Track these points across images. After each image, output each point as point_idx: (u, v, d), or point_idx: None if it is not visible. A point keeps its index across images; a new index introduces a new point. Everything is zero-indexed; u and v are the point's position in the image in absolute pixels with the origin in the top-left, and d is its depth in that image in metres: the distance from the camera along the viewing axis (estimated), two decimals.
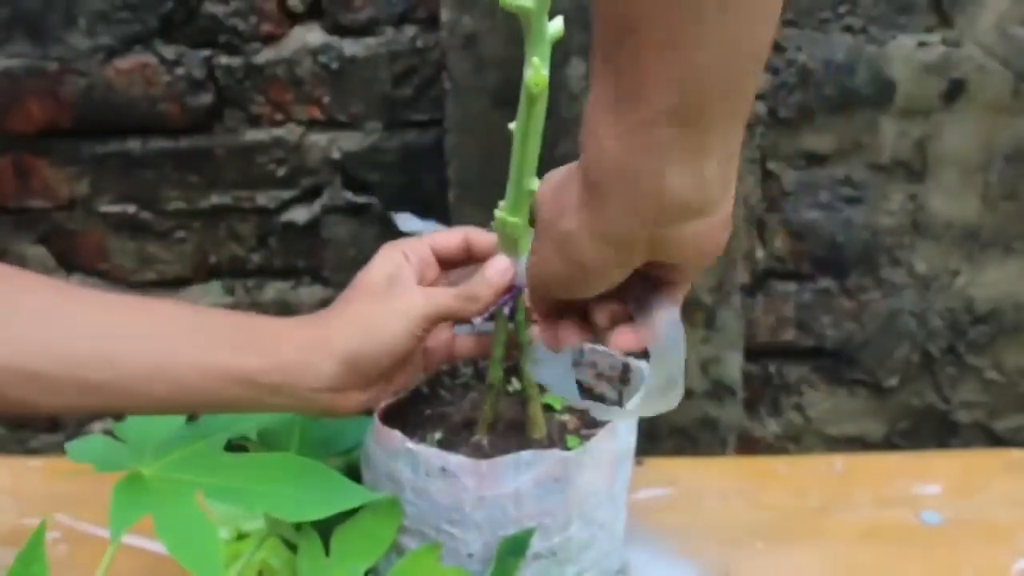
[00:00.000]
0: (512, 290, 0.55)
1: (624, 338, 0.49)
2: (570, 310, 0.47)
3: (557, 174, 0.43)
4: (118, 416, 0.59)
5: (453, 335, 0.58)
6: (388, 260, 0.54)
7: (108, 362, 0.46)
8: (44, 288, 0.48)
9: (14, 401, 0.45)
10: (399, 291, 0.52)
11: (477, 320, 0.57)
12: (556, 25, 0.47)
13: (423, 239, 0.55)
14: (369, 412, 0.56)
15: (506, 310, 0.55)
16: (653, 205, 0.36)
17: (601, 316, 0.46)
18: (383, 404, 0.58)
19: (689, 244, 0.38)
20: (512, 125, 0.49)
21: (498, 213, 0.53)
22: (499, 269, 0.53)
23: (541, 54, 0.47)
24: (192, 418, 0.58)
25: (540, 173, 0.51)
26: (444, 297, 0.52)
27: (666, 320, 0.45)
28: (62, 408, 0.47)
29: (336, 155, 0.93)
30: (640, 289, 0.44)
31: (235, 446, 0.57)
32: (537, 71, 0.46)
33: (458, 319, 0.54)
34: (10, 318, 0.45)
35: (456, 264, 0.56)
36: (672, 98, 0.33)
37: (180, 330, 0.49)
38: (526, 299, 0.53)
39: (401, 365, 0.53)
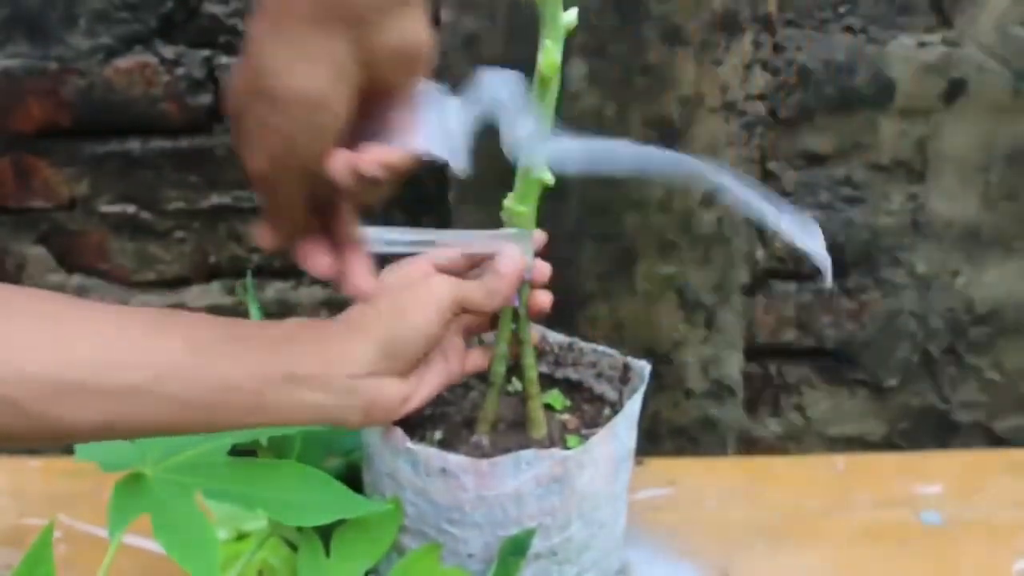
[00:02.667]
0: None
1: (475, 359, 0.57)
2: (311, 229, 0.47)
3: (238, 72, 0.41)
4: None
5: (465, 347, 0.58)
6: (396, 272, 0.54)
7: (141, 362, 0.44)
8: (64, 302, 0.46)
9: (49, 420, 0.42)
10: (421, 283, 0.52)
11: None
12: (570, 16, 0.47)
13: (423, 258, 0.55)
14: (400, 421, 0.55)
15: (513, 303, 0.55)
16: None
17: (344, 218, 0.46)
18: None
19: (397, 47, 0.39)
20: None
21: (507, 203, 0.53)
22: (511, 258, 0.53)
23: (554, 38, 0.47)
24: None
25: None
26: (467, 285, 0.52)
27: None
28: (100, 425, 0.44)
29: None
30: (372, 129, 0.43)
31: (243, 452, 0.57)
32: (549, 54, 0.47)
33: (479, 312, 0.54)
34: (34, 331, 0.43)
35: (458, 274, 0.56)
36: None
37: (213, 333, 0.47)
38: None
39: (432, 355, 0.53)
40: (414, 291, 0.51)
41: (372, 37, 0.38)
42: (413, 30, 0.39)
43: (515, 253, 0.53)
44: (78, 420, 0.43)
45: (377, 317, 0.50)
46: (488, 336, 0.63)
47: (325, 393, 0.48)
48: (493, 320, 0.58)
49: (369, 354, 0.49)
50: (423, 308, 0.50)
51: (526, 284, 0.56)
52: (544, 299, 0.57)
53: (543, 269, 0.57)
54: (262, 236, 0.46)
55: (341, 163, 0.42)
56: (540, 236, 0.56)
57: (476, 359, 0.59)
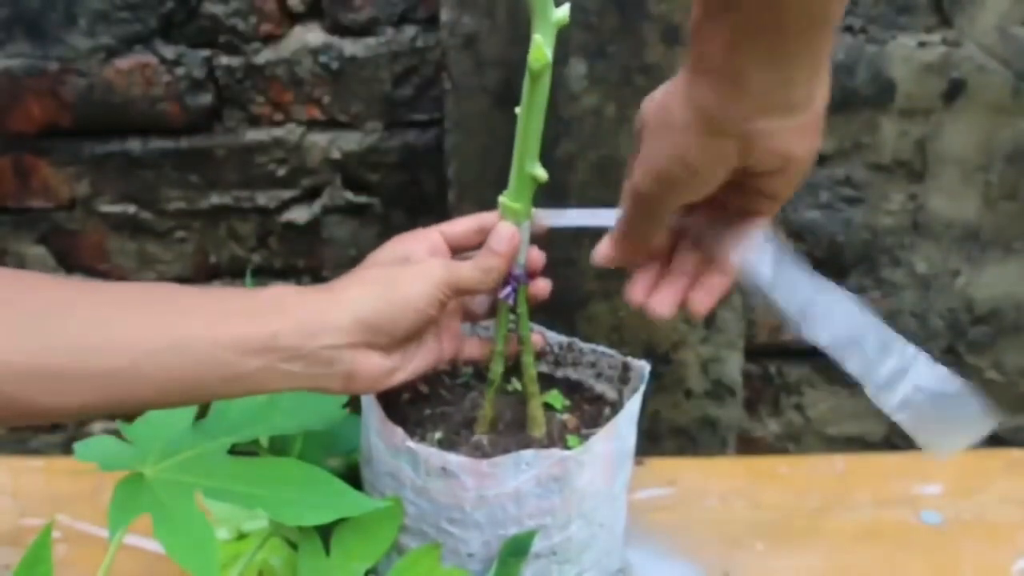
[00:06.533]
0: (513, 281, 0.55)
1: (471, 349, 0.58)
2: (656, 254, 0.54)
3: (658, 95, 0.47)
4: (129, 417, 0.58)
5: (462, 334, 0.58)
6: (399, 245, 0.54)
7: (121, 345, 0.44)
8: (42, 284, 0.46)
9: (25, 405, 0.43)
10: (416, 261, 0.52)
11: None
12: (562, 11, 0.47)
13: (432, 230, 0.55)
14: (382, 395, 0.55)
15: (509, 301, 0.55)
16: (741, 96, 0.41)
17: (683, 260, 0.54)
18: (387, 394, 0.57)
19: (778, 143, 0.43)
20: (519, 109, 0.50)
21: (502, 199, 0.53)
22: (503, 236, 0.53)
23: (544, 33, 0.47)
24: (200, 416, 0.58)
25: (543, 165, 0.52)
26: (462, 267, 0.52)
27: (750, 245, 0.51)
28: (76, 409, 0.44)
29: (336, 155, 0.93)
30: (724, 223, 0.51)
31: (243, 452, 0.57)
32: (538, 48, 0.47)
33: (475, 292, 0.54)
34: (13, 318, 0.43)
35: (469, 250, 0.56)
36: (758, 9, 0.39)
37: (190, 305, 0.47)
38: (606, 249, 0.54)
39: (420, 334, 0.52)
40: (408, 268, 0.51)
41: (758, 128, 0.43)
42: (791, 144, 0.45)
43: (508, 230, 0.53)
44: (58, 404, 0.43)
45: (363, 288, 0.50)
46: (487, 333, 0.63)
47: (303, 362, 0.48)
48: (491, 308, 0.58)
49: (349, 325, 0.48)
50: (413, 284, 0.50)
51: (524, 285, 0.56)
52: (544, 287, 0.57)
53: (537, 258, 0.57)
54: (604, 254, 0.54)
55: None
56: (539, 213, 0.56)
57: (473, 349, 0.58)
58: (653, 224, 0.51)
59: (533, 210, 0.54)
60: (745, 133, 0.43)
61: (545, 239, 0.57)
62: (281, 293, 0.49)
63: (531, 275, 0.56)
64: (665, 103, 0.45)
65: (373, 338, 0.49)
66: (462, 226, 0.56)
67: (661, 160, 0.46)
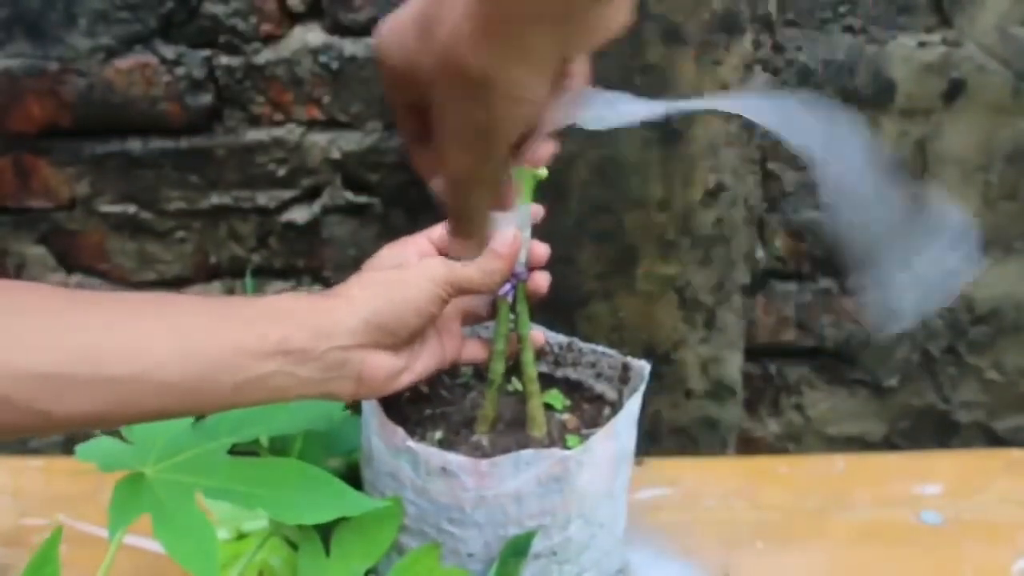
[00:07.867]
0: (513, 279, 0.55)
1: (472, 350, 0.58)
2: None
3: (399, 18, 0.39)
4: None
5: (463, 336, 0.58)
6: (391, 251, 0.55)
7: (132, 352, 0.44)
8: (51, 293, 0.46)
9: (35, 413, 0.42)
10: (415, 263, 0.53)
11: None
12: None
13: (421, 236, 0.56)
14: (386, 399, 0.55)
15: (508, 298, 0.55)
16: None
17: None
18: (389, 395, 0.57)
19: (601, 35, 0.36)
20: None
21: None
22: (506, 241, 0.53)
23: None
24: (200, 418, 0.58)
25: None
26: (463, 267, 0.52)
27: None
28: (84, 417, 0.44)
29: (336, 155, 0.93)
30: None
31: (243, 452, 0.57)
32: None
33: (477, 292, 0.54)
34: (23, 324, 0.43)
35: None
36: None
37: (200, 314, 0.47)
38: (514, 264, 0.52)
39: (423, 334, 0.53)
40: (407, 270, 0.52)
41: (579, 31, 0.36)
42: (618, 17, 0.36)
43: (511, 235, 0.53)
44: (69, 412, 0.43)
45: (368, 290, 0.50)
46: (487, 332, 0.63)
47: (315, 366, 0.48)
48: (492, 308, 0.58)
49: (358, 325, 0.49)
50: (414, 284, 0.50)
51: (523, 283, 0.56)
52: (542, 281, 0.57)
53: (540, 251, 0.57)
54: (456, 247, 0.51)
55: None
56: (538, 209, 0.56)
57: (474, 350, 0.59)
58: (490, 190, 0.45)
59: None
60: (569, 30, 0.36)
61: (543, 236, 0.57)
62: (286, 298, 0.50)
63: (532, 268, 0.57)
64: (454, 63, 0.36)
65: (381, 338, 0.49)
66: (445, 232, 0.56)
67: (484, 116, 0.38)
